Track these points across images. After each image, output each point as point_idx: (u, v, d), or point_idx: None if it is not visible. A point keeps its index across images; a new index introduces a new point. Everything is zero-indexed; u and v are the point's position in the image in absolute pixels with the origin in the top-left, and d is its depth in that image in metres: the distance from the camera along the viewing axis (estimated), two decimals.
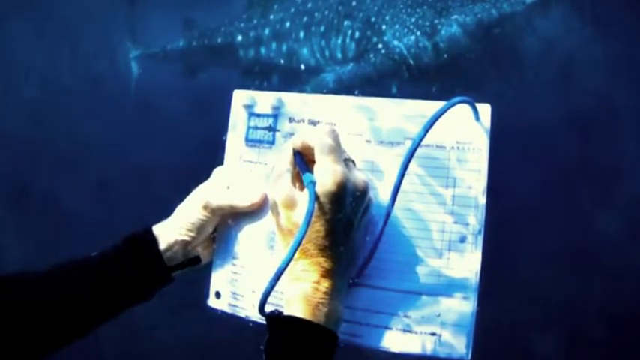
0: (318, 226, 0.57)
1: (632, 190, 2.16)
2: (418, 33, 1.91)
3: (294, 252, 0.55)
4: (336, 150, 0.59)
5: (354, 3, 2.11)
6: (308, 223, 0.55)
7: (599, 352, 2.07)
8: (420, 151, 0.61)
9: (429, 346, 0.61)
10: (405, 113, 0.66)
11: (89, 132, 3.03)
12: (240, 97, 0.74)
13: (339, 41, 2.11)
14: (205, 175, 0.73)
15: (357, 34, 2.06)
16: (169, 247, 0.69)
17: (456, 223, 0.62)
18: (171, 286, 0.72)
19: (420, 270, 0.62)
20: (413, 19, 1.94)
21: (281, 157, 0.63)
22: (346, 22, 2.10)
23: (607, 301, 2.10)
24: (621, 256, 2.13)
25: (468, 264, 0.62)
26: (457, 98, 0.62)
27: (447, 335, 0.61)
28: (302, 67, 2.22)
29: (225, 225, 0.72)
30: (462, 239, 0.62)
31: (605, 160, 2.20)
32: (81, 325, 0.67)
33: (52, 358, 0.64)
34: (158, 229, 0.70)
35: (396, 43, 1.95)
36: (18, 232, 3.00)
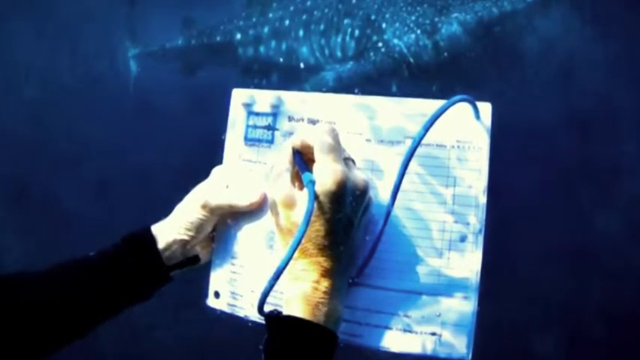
0: (317, 226, 0.57)
1: (632, 190, 2.16)
2: (418, 31, 1.91)
3: (294, 251, 0.54)
4: (336, 149, 0.59)
5: (353, 1, 2.11)
6: (307, 222, 0.55)
7: (599, 352, 2.07)
8: (420, 150, 0.61)
9: (429, 346, 0.61)
10: (405, 112, 0.66)
11: (89, 131, 3.03)
12: (239, 96, 0.74)
13: (339, 39, 2.10)
14: (204, 175, 0.73)
15: (357, 32, 2.06)
16: (168, 247, 0.69)
17: (456, 222, 0.62)
18: (171, 286, 0.72)
19: (420, 270, 0.62)
20: (413, 18, 1.93)
21: (280, 156, 0.62)
22: (346, 21, 2.09)
23: (607, 301, 2.10)
24: (621, 256, 2.12)
25: (468, 264, 0.62)
26: (457, 97, 0.62)
27: (447, 335, 0.61)
28: (301, 65, 2.22)
29: (224, 224, 0.71)
30: (463, 239, 0.62)
31: (606, 160, 2.20)
32: (80, 325, 0.67)
33: (52, 358, 0.64)
34: (157, 229, 0.70)
35: (396, 41, 1.95)
36: (18, 232, 3.00)
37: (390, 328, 0.62)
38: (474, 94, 0.64)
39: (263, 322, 0.58)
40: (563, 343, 2.13)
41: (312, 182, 0.57)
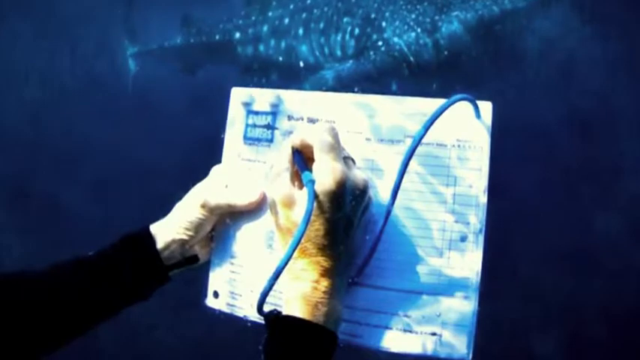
0: (317, 225, 0.56)
1: (634, 189, 2.15)
2: (418, 30, 1.90)
3: (293, 251, 0.54)
4: (336, 148, 0.58)
5: None
6: (307, 222, 0.54)
7: (600, 352, 2.07)
8: (420, 149, 0.61)
9: (429, 347, 0.61)
10: (405, 111, 0.65)
11: (88, 131, 3.02)
12: (238, 95, 0.73)
13: (339, 38, 2.10)
14: (203, 174, 0.73)
15: (357, 30, 2.05)
16: (167, 247, 0.69)
17: (456, 222, 0.62)
18: (171, 286, 0.72)
19: (421, 269, 0.62)
20: (413, 16, 1.93)
21: (280, 156, 0.62)
22: (346, 19, 2.09)
23: (607, 301, 2.09)
24: (622, 256, 2.12)
25: (468, 263, 0.61)
26: (458, 96, 0.61)
27: (447, 335, 0.60)
28: (301, 64, 2.21)
29: (223, 224, 0.71)
30: (463, 238, 0.61)
31: (607, 160, 2.20)
32: (79, 325, 0.66)
33: (53, 358, 0.64)
34: (155, 228, 0.70)
35: (396, 40, 1.94)
36: (18, 232, 3.00)
37: (390, 328, 0.62)
38: (475, 93, 0.64)
39: (262, 322, 0.58)
40: (563, 343, 2.12)
41: (312, 181, 0.56)
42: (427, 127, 0.60)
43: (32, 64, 3.36)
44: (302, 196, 0.57)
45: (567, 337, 2.11)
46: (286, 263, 0.54)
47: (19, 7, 3.28)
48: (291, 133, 0.67)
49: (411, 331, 0.61)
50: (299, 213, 0.56)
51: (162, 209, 0.72)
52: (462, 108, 0.63)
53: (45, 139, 3.15)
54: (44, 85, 3.31)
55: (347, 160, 0.61)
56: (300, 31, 2.22)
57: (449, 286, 0.61)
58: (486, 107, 0.64)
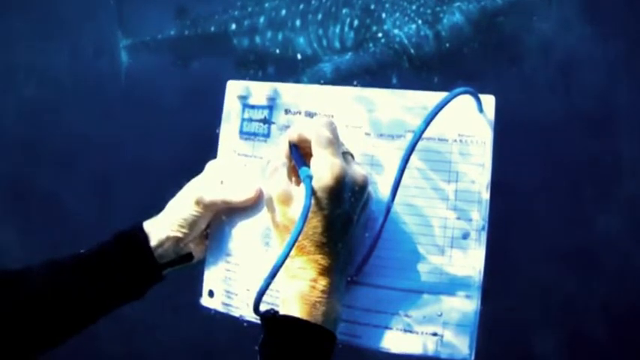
0: (315, 222, 0.55)
1: (636, 188, 2.14)
2: (419, 21, 1.88)
3: (291, 249, 0.53)
4: (334, 143, 0.57)
5: None
6: (305, 219, 0.53)
7: (600, 352, 2.07)
8: (421, 144, 0.59)
9: (430, 347, 0.60)
10: (405, 105, 0.64)
11: (84, 127, 2.99)
12: (234, 88, 0.71)
13: (337, 30, 2.07)
14: (198, 170, 0.71)
15: (356, 22, 2.02)
16: (160, 244, 0.67)
17: (458, 218, 0.60)
18: (170, 286, 0.70)
19: (421, 268, 0.60)
20: (414, 7, 1.90)
21: (277, 151, 0.61)
22: (344, 10, 2.06)
23: (608, 300, 2.09)
24: (624, 255, 2.11)
25: (471, 261, 0.60)
26: (460, 89, 0.60)
27: (449, 335, 0.59)
28: (298, 56, 2.18)
29: (218, 221, 0.70)
30: (465, 235, 0.60)
31: (610, 157, 2.19)
32: (73, 324, 0.65)
33: (53, 359, 0.62)
34: (149, 226, 0.68)
35: (396, 31, 1.92)
36: (18, 232, 2.98)
37: (390, 328, 0.60)
38: (477, 86, 0.62)
39: (259, 322, 0.57)
40: (563, 343, 2.13)
41: (310, 177, 0.55)
42: (428, 121, 0.58)
43: (27, 60, 3.31)
44: (299, 193, 0.56)
45: (567, 337, 2.11)
46: (283, 261, 0.53)
47: (14, 5, 3.22)
48: (288, 127, 0.66)
49: (411, 331, 0.60)
50: (296, 210, 0.55)
51: (159, 206, 0.70)
52: (464, 102, 0.61)
53: (41, 136, 3.12)
54: (40, 83, 3.27)
55: (346, 155, 0.60)
56: (298, 23, 2.19)
57: (450, 285, 0.60)
58: (489, 101, 0.62)
